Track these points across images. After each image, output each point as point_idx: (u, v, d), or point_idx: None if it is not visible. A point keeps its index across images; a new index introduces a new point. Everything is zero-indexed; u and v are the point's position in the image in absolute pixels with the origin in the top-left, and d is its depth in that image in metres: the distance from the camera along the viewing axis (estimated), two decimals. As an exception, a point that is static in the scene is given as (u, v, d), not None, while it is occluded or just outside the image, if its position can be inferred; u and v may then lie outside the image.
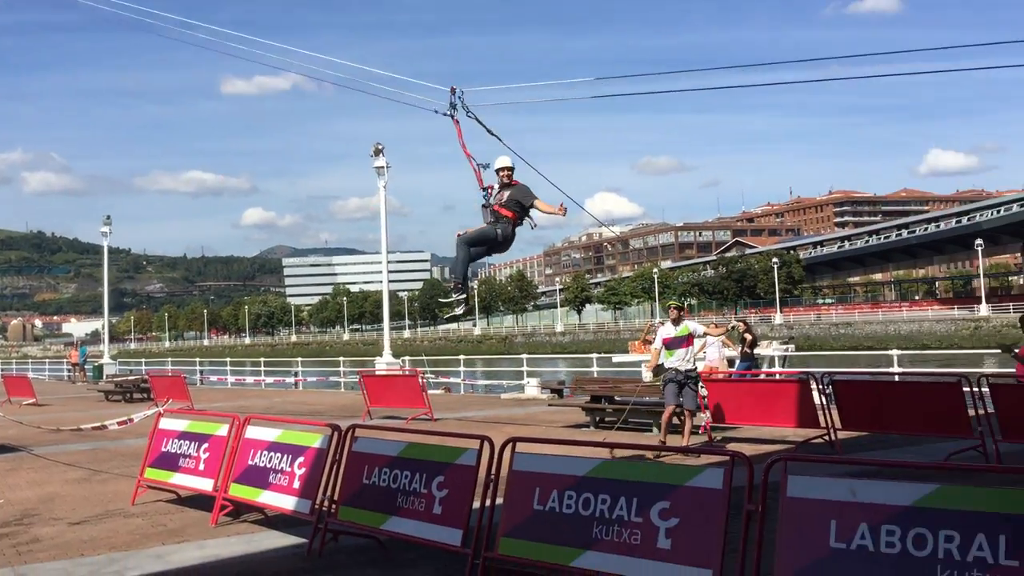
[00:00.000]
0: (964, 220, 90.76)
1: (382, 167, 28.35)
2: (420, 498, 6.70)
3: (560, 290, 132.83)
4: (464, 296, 9.41)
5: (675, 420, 12.53)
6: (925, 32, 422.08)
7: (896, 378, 15.39)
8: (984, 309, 73.65)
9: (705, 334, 13.10)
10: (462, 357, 30.37)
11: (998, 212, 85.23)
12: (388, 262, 30.22)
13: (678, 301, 12.83)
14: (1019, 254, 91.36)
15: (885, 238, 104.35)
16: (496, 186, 9.17)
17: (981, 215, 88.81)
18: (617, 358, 24.61)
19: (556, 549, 5.78)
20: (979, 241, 79.05)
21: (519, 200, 9.01)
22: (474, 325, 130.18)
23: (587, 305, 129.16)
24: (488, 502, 6.19)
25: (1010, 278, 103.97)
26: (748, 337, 18.05)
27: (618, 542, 5.51)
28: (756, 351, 18.63)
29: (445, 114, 8.92)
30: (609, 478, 5.79)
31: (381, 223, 29.11)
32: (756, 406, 12.77)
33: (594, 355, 24.70)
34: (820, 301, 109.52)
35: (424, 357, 38.03)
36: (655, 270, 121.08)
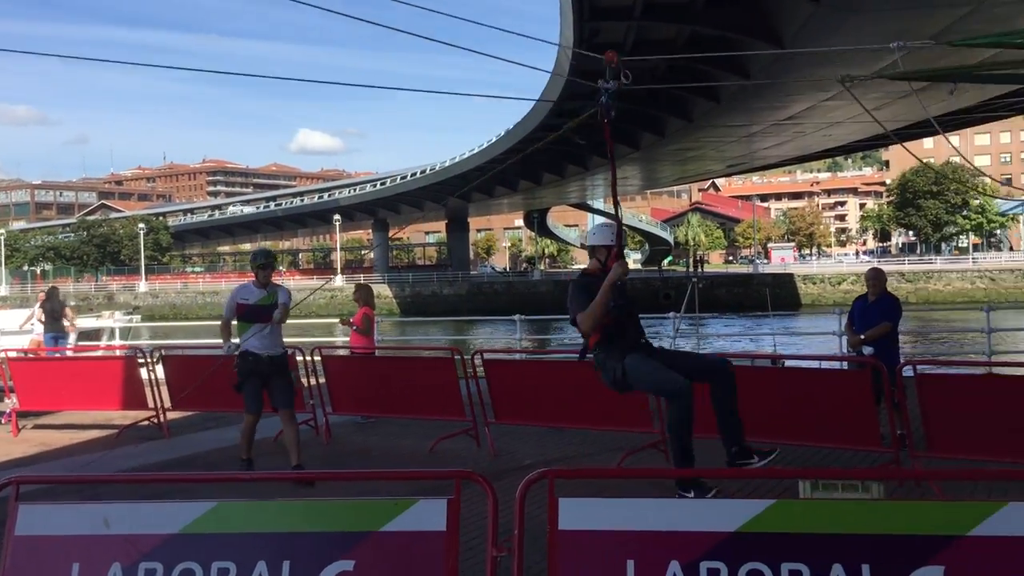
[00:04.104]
0: (326, 196, 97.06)
1: None
2: None
3: None
4: None
5: None
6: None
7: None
8: (340, 280, 79.40)
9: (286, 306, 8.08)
10: None
11: (354, 191, 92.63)
12: None
13: (266, 255, 8.30)
14: (371, 230, 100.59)
15: (257, 209, 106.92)
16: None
17: (340, 192, 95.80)
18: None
19: None
20: (337, 216, 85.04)
21: None
22: None
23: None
24: None
25: (363, 252, 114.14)
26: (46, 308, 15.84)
27: None
28: (68, 323, 16.29)
29: (605, 99, 5.40)
30: None
31: None
32: (77, 387, 10.95)
33: None
34: (189, 269, 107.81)
35: None
36: (2, 231, 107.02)
